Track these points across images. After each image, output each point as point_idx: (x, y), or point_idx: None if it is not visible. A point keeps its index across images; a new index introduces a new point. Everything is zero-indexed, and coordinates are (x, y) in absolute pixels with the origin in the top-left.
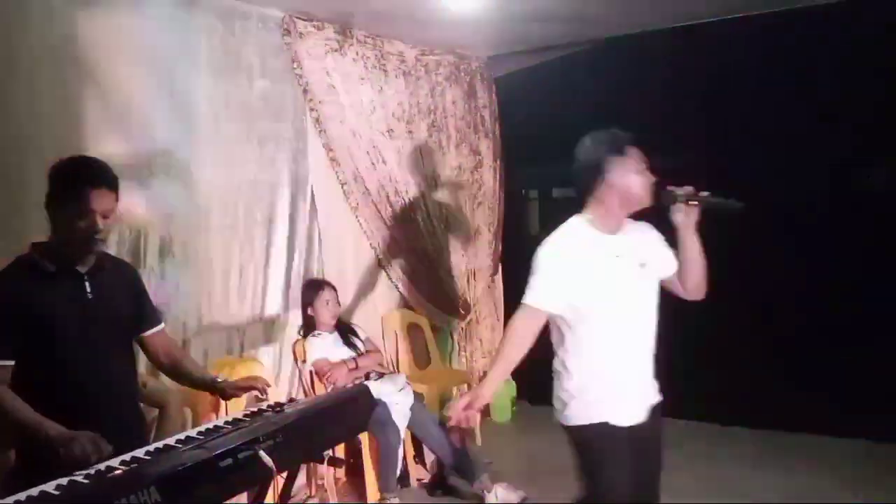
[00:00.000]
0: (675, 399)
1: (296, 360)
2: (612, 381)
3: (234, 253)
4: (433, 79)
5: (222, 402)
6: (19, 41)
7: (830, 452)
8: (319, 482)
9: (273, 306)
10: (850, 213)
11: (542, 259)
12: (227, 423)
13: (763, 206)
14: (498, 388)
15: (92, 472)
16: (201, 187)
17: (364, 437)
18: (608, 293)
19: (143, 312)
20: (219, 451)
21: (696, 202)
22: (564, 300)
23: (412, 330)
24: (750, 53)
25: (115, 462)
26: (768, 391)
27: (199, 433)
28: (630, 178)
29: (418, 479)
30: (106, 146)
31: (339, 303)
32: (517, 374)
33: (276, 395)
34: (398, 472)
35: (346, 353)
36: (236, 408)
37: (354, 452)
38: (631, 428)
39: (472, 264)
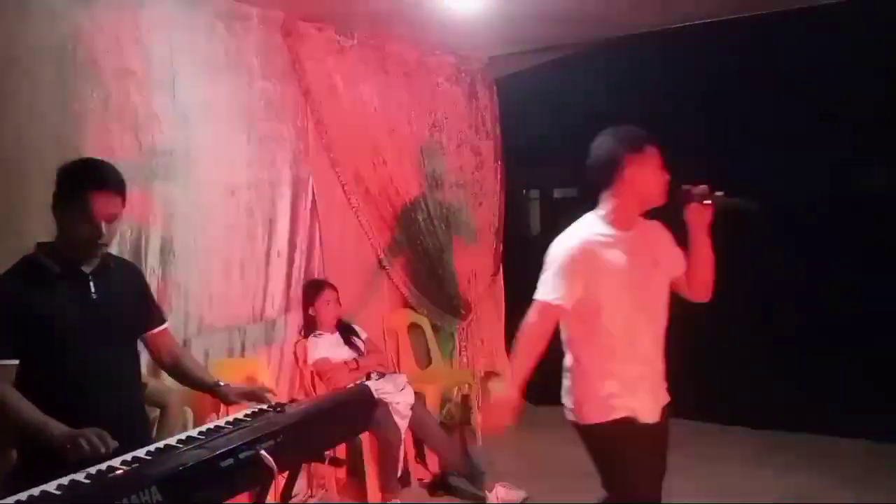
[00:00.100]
0: (675, 399)
1: (297, 360)
2: (630, 378)
3: (234, 253)
4: (434, 79)
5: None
6: (19, 41)
7: (831, 452)
8: (320, 482)
9: (274, 307)
10: (850, 212)
11: (556, 254)
12: (228, 422)
13: (763, 206)
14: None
15: (93, 471)
16: (202, 187)
17: (365, 437)
18: (624, 289)
19: (147, 312)
20: (220, 451)
21: (710, 202)
22: (579, 295)
23: (413, 330)
24: (750, 54)
25: (116, 462)
26: (768, 391)
27: (200, 433)
28: (648, 175)
29: (419, 479)
30: (106, 146)
31: (339, 303)
32: None
33: (277, 395)
34: (399, 472)
35: (347, 353)
36: (237, 408)
37: (355, 452)
38: (649, 426)
39: (472, 264)
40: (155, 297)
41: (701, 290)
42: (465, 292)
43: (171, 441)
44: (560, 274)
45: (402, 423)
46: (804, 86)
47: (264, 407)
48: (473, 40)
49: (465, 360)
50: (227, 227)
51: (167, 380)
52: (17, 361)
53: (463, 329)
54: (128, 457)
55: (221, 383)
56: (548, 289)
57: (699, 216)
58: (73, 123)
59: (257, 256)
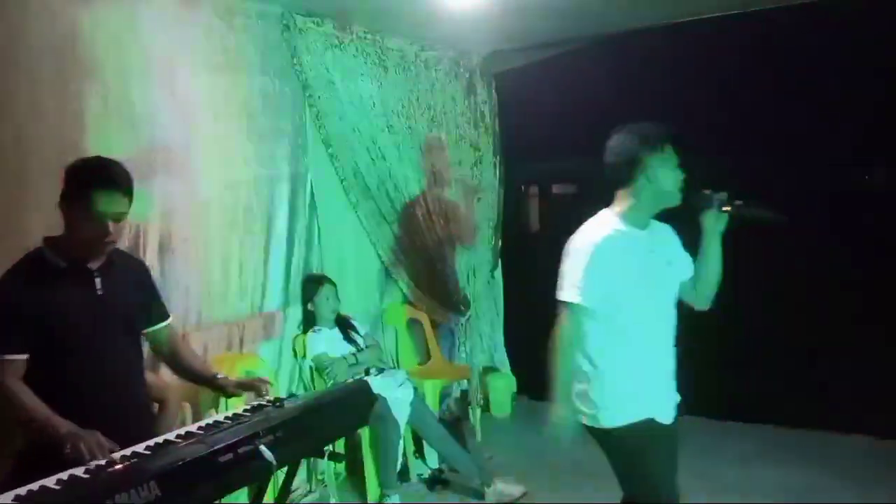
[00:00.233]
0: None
1: (295, 355)
2: (648, 378)
3: (233, 248)
4: (433, 74)
5: (221, 398)
6: (20, 39)
7: (833, 449)
8: (319, 477)
9: (273, 302)
10: (851, 210)
11: (580, 251)
12: (227, 418)
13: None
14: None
15: (92, 466)
16: (201, 183)
17: (364, 433)
18: (642, 287)
19: (151, 308)
20: (219, 447)
21: (729, 209)
22: (600, 293)
23: (412, 325)
24: (751, 50)
25: (115, 457)
26: (770, 387)
27: (199, 428)
28: (668, 174)
29: (418, 475)
30: (106, 143)
31: (338, 298)
32: (517, 369)
33: (276, 390)
34: (398, 468)
35: (346, 348)
36: (236, 403)
37: (354, 448)
38: (666, 426)
39: (471, 260)
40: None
41: (704, 298)
42: (464, 288)
43: (170, 436)
44: (586, 272)
45: (401, 419)
46: (808, 83)
47: (263, 402)
48: (472, 35)
49: (463, 355)
50: (226, 222)
51: (166, 375)
52: (25, 356)
53: (462, 324)
54: (127, 452)
55: (220, 375)
56: (575, 289)
57: (715, 223)
58: (73, 120)
59: (256, 252)
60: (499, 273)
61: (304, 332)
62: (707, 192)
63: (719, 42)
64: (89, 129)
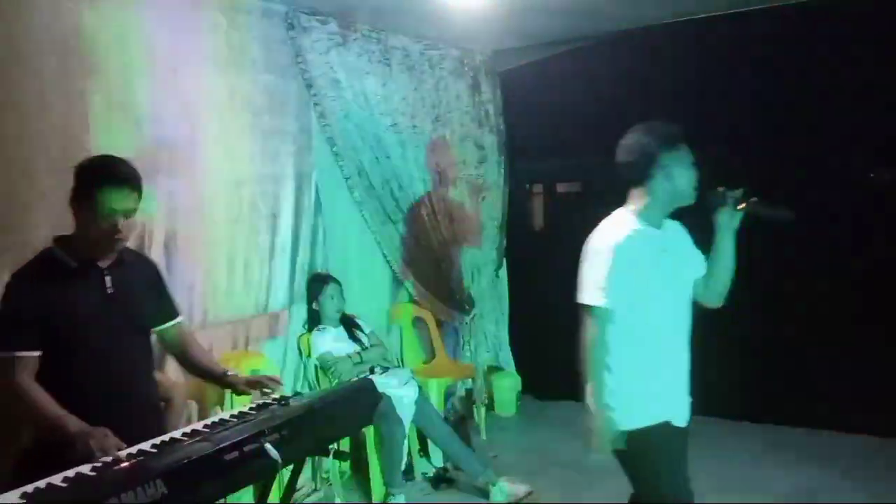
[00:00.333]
0: None
1: (301, 354)
2: (664, 380)
3: (238, 247)
4: (437, 73)
5: (227, 396)
6: (25, 35)
7: (839, 448)
8: (324, 476)
9: (278, 300)
10: (856, 208)
11: (601, 251)
12: (232, 416)
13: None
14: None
15: (99, 464)
16: (206, 182)
17: (369, 432)
18: (660, 287)
19: (162, 306)
20: (224, 445)
21: (744, 206)
22: (622, 295)
23: (417, 324)
24: (756, 48)
25: (121, 455)
26: (775, 386)
27: (205, 426)
28: (684, 172)
29: (423, 473)
30: (111, 141)
31: (343, 297)
32: (522, 368)
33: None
34: (403, 466)
35: (351, 347)
36: (242, 402)
37: (359, 446)
38: (680, 428)
39: (476, 259)
40: None
41: (717, 295)
42: (469, 287)
43: (176, 434)
44: (609, 274)
45: (406, 417)
46: (815, 79)
47: (269, 400)
48: (477, 33)
49: (468, 353)
50: (231, 220)
51: (171, 373)
52: (37, 354)
53: (466, 323)
54: (133, 450)
55: (230, 372)
56: (600, 291)
57: (730, 220)
58: (77, 118)
59: (261, 250)
60: (503, 272)
61: (309, 330)
62: (721, 189)
63: (724, 40)
64: (94, 126)
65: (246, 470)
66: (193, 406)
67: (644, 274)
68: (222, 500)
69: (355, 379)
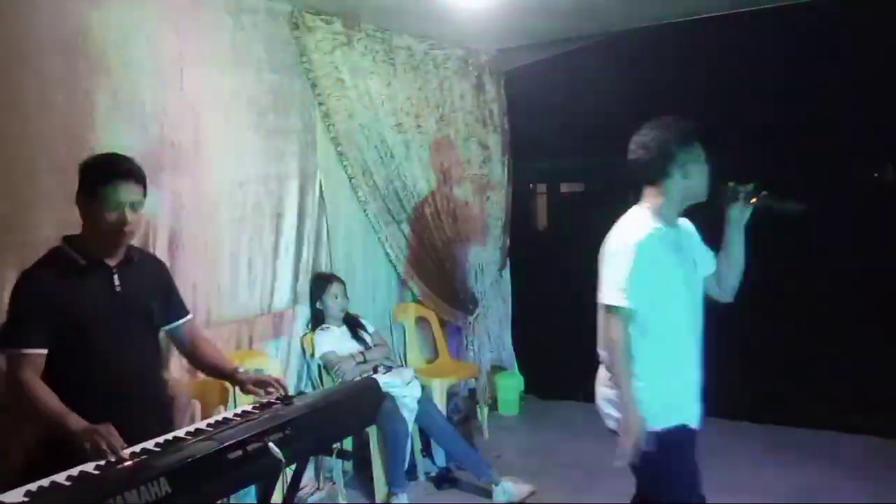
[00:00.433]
0: None
1: (304, 353)
2: (681, 381)
3: (242, 246)
4: (442, 72)
5: (231, 395)
6: (29, 34)
7: (841, 449)
8: (327, 475)
9: (282, 300)
10: (857, 208)
11: (620, 253)
12: (236, 415)
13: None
14: (511, 383)
15: (102, 463)
16: (210, 181)
17: (372, 431)
18: (676, 286)
19: (170, 304)
20: (228, 443)
21: (755, 201)
22: (643, 295)
23: (420, 323)
24: (759, 47)
25: (125, 453)
26: (775, 386)
27: (209, 425)
28: (700, 169)
29: (426, 473)
30: (115, 140)
31: (347, 296)
32: (525, 368)
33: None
34: (406, 466)
35: (355, 346)
36: (245, 401)
37: (362, 446)
38: (695, 431)
39: (480, 259)
40: None
41: (729, 290)
42: (472, 286)
43: (180, 433)
44: (631, 274)
45: (409, 417)
46: (815, 79)
47: (272, 399)
48: (481, 33)
49: (471, 353)
50: (235, 220)
51: (175, 372)
52: (45, 351)
53: (470, 323)
54: (137, 448)
55: (241, 370)
56: (622, 292)
57: (741, 215)
58: (81, 117)
59: (265, 249)
60: (507, 272)
61: (313, 330)
62: (732, 184)
63: (729, 38)
64: (98, 125)
65: (249, 469)
66: (197, 405)
67: (665, 273)
68: (225, 499)
69: (359, 378)
